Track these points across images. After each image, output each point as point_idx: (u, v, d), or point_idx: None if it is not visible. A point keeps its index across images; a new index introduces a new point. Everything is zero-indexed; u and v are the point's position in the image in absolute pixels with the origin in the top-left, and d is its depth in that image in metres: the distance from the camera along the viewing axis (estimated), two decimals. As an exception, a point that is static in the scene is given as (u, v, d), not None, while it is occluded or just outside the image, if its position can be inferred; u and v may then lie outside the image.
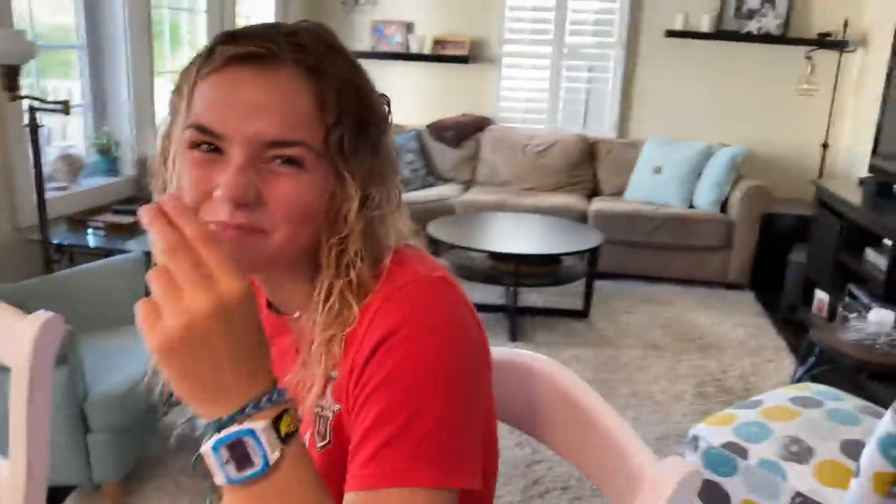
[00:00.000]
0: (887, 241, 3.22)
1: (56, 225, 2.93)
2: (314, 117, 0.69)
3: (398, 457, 0.63)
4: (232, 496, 0.57)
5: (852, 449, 1.82)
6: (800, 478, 1.79)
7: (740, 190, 4.39)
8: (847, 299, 3.27)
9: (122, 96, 3.61)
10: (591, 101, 5.21)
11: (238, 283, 0.54)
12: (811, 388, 2.20)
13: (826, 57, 4.62)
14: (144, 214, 0.54)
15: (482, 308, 3.74)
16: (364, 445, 0.65)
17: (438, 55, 5.19)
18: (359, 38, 5.26)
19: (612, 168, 4.90)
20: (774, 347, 3.63)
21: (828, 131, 4.76)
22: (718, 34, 4.79)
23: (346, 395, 0.70)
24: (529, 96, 5.30)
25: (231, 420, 0.55)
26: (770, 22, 4.67)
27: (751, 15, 4.74)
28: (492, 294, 4.04)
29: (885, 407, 1.73)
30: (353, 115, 0.71)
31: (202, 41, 4.31)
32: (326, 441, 0.73)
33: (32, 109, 2.53)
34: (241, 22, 4.68)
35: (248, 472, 0.56)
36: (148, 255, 2.53)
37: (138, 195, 3.61)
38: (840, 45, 4.59)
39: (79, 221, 3.08)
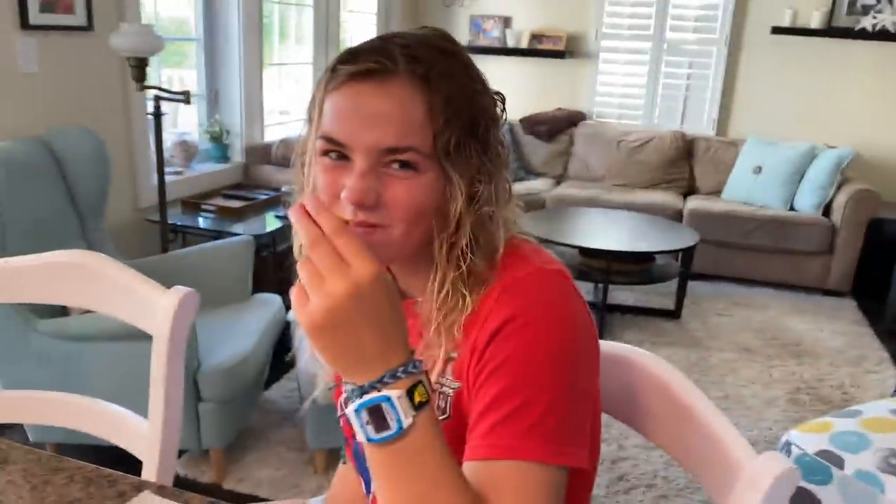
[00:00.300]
0: None
1: (171, 207, 3.13)
2: (425, 123, 0.75)
3: (514, 432, 0.70)
4: (372, 452, 0.65)
5: (957, 466, 1.76)
6: (899, 491, 1.74)
7: (845, 193, 4.22)
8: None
9: (234, 87, 3.81)
10: (689, 98, 5.11)
11: (370, 266, 0.61)
12: (915, 402, 2.12)
13: (947, 55, 4.38)
14: (293, 213, 0.63)
15: (571, 303, 3.74)
16: (483, 420, 0.72)
17: (535, 49, 5.20)
18: (457, 33, 5.32)
19: (709, 166, 4.80)
20: (877, 358, 3.49)
21: (946, 134, 4.52)
22: (829, 31, 4.60)
23: (467, 375, 0.77)
24: (626, 92, 5.25)
25: (371, 387, 0.63)
26: (887, 18, 4.45)
27: (866, 11, 4.54)
28: (582, 291, 4.03)
29: None
30: (461, 118, 0.77)
31: (308, 35, 4.48)
32: (446, 415, 0.79)
33: (157, 98, 2.72)
34: (345, 16, 4.83)
35: (385, 434, 0.63)
36: (256, 237, 2.66)
37: (246, 181, 3.80)
38: (963, 43, 4.34)
39: (192, 204, 3.28)
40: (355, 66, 0.75)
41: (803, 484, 1.94)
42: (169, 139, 3.46)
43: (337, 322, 0.61)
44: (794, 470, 0.75)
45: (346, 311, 0.60)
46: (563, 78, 5.27)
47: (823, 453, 1.91)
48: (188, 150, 3.51)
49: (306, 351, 0.97)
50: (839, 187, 4.32)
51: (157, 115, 2.74)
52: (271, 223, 3.18)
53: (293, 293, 0.63)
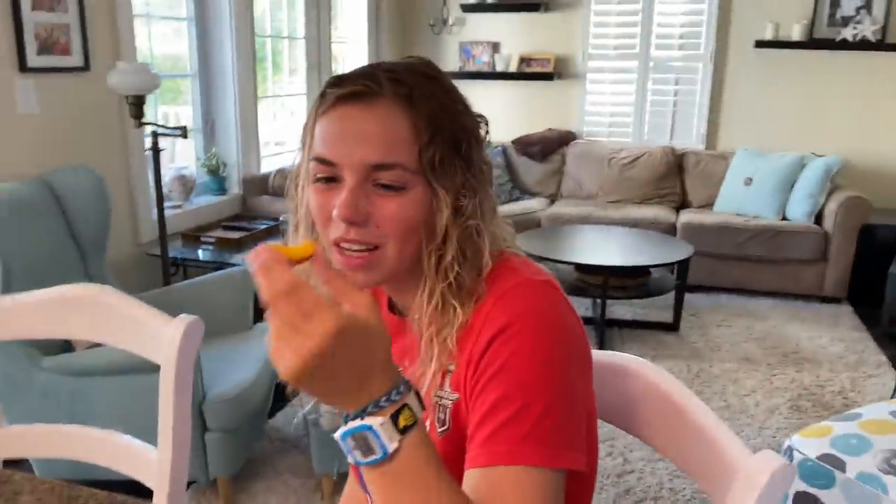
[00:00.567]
0: None
1: (172, 240, 3.16)
2: (410, 140, 0.80)
3: (512, 438, 0.72)
4: (365, 473, 0.68)
5: (957, 464, 1.78)
6: (901, 492, 1.76)
7: (836, 201, 4.27)
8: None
9: (230, 120, 3.87)
10: (677, 114, 5.18)
11: (330, 320, 0.61)
12: (913, 403, 2.15)
13: (929, 62, 4.45)
14: (251, 264, 0.64)
15: (570, 320, 3.77)
16: (481, 428, 0.75)
17: (524, 73, 5.28)
18: (447, 59, 5.41)
19: (700, 180, 4.85)
20: (875, 363, 3.51)
21: (932, 139, 4.58)
22: (811, 43, 4.68)
23: (464, 385, 0.80)
24: (614, 110, 5.32)
25: (356, 416, 0.65)
26: (867, 28, 4.54)
27: (845, 22, 4.62)
28: (579, 307, 4.07)
29: None
30: (444, 135, 0.81)
31: (301, 66, 4.55)
32: (446, 427, 0.82)
33: (155, 135, 2.76)
34: (336, 47, 4.90)
35: (371, 458, 0.65)
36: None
37: (244, 212, 3.84)
38: (944, 50, 4.42)
39: (192, 237, 3.31)
40: (342, 90, 0.80)
41: (807, 489, 1.96)
42: (167, 174, 3.50)
43: (308, 376, 0.62)
44: (790, 467, 0.78)
45: (314, 366, 0.62)
46: (553, 99, 5.34)
47: (825, 457, 1.93)
48: (186, 184, 3.55)
49: None
50: (829, 195, 4.37)
51: (156, 150, 2.78)
52: (270, 253, 3.21)
53: (268, 347, 0.64)
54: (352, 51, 5.19)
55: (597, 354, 1.00)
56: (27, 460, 2.22)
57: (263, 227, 3.45)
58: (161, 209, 2.89)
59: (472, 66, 5.36)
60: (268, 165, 4.18)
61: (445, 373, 0.83)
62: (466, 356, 0.80)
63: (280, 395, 2.69)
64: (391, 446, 0.65)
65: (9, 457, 1.31)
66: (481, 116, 0.88)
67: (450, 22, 5.39)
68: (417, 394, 0.69)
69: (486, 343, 0.77)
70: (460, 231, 0.82)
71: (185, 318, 1.17)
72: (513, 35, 5.33)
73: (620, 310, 4.11)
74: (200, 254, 3.24)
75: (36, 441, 1.30)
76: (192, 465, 2.25)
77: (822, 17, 4.68)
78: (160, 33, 3.72)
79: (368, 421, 0.64)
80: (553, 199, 5.09)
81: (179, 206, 3.49)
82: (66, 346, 2.31)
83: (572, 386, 0.77)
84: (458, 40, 5.41)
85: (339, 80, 0.82)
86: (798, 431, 2.15)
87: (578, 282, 3.75)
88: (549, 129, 5.27)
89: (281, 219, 3.47)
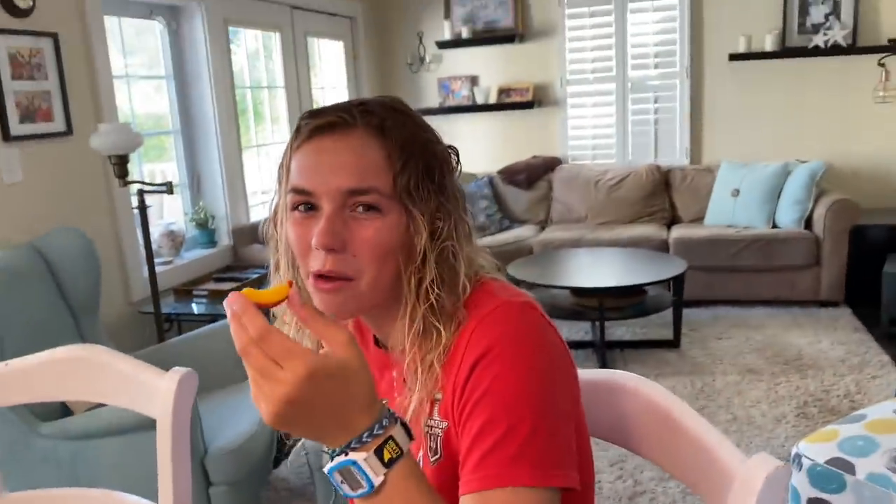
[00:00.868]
0: None
1: (164, 297, 3.16)
2: (383, 167, 0.81)
3: (501, 461, 0.72)
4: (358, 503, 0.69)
5: (966, 457, 1.77)
6: (912, 489, 1.75)
7: (823, 205, 4.30)
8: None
9: (215, 173, 3.89)
10: (659, 131, 5.24)
11: (300, 366, 0.63)
12: (917, 399, 2.14)
13: (900, 62, 4.53)
14: (226, 309, 0.66)
15: (570, 345, 3.76)
16: (471, 454, 0.75)
17: (504, 103, 5.34)
18: (427, 96, 5.48)
19: (688, 195, 4.89)
20: (878, 363, 3.50)
21: (911, 136, 4.63)
22: (784, 52, 4.76)
23: (452, 412, 0.80)
24: (597, 133, 5.37)
25: (341, 451, 0.67)
26: (837, 34, 4.62)
27: (816, 29, 4.71)
28: (578, 330, 4.07)
29: None
30: (417, 162, 0.83)
31: (283, 114, 4.60)
32: (438, 456, 0.82)
33: (141, 192, 2.78)
34: (317, 93, 4.96)
35: (359, 492, 0.67)
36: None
37: (235, 263, 3.85)
38: (914, 49, 4.49)
39: (184, 291, 3.32)
40: (317, 121, 0.83)
41: (819, 494, 1.94)
42: (156, 230, 3.51)
43: (286, 419, 0.65)
44: (785, 468, 0.78)
45: (290, 409, 0.64)
46: (535, 127, 5.40)
47: (834, 461, 1.91)
48: (175, 239, 3.56)
49: None
50: (816, 200, 4.40)
51: (142, 208, 2.80)
52: (264, 301, 3.21)
53: (252, 391, 0.66)
54: (332, 96, 5.25)
55: (588, 374, 1.00)
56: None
57: (255, 275, 3.46)
58: (151, 266, 2.89)
59: (452, 101, 5.43)
60: (257, 214, 4.20)
61: (433, 402, 0.83)
62: (452, 383, 0.80)
63: (283, 444, 2.67)
64: (377, 480, 0.66)
65: (9, 526, 1.30)
66: (452, 147, 0.91)
67: (427, 59, 5.47)
68: (405, 424, 0.70)
69: (469, 368, 0.78)
70: (437, 253, 0.83)
71: (178, 371, 1.17)
72: (490, 67, 5.41)
73: (620, 331, 4.10)
74: (194, 308, 3.23)
75: (35, 507, 1.28)
76: (198, 521, 2.22)
77: (792, 27, 4.77)
78: (141, 93, 3.77)
79: (353, 456, 0.66)
80: (543, 225, 5.11)
81: (170, 262, 3.49)
82: (65, 411, 2.29)
83: (557, 404, 0.77)
84: (436, 77, 5.48)
85: (312, 114, 0.85)
86: (804, 438, 2.14)
87: (575, 305, 3.75)
88: (534, 156, 5.32)
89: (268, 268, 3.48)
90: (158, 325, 2.96)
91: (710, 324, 4.17)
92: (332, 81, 5.27)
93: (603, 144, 5.35)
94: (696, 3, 4.94)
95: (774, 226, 4.45)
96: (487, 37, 5.30)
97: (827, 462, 1.92)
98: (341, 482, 0.67)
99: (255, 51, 4.52)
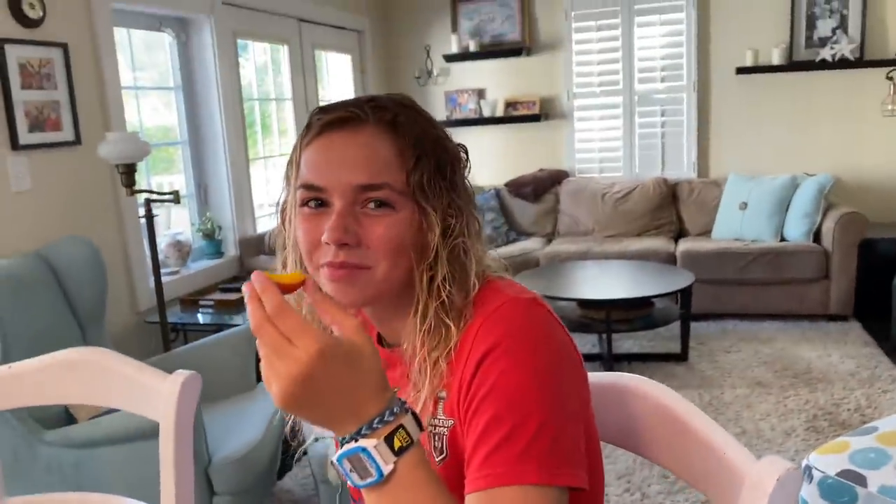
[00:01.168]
0: None
1: (170, 306, 3.16)
2: (396, 163, 0.81)
3: (507, 459, 0.71)
4: (365, 494, 0.68)
5: (980, 469, 1.74)
6: (925, 502, 1.72)
7: (832, 218, 4.28)
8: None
9: (222, 183, 3.90)
10: (667, 145, 5.23)
11: (312, 343, 0.63)
12: (929, 411, 2.11)
13: (908, 75, 4.52)
14: (244, 291, 0.67)
15: (577, 357, 3.75)
16: (477, 452, 0.73)
17: (511, 116, 5.35)
18: (434, 109, 5.49)
19: (695, 208, 4.87)
20: (889, 377, 3.46)
21: (920, 150, 4.62)
22: (791, 66, 4.76)
23: (458, 410, 0.79)
24: (604, 146, 5.37)
25: (351, 438, 0.66)
26: (844, 47, 4.61)
27: (823, 43, 4.70)
28: (585, 343, 4.04)
29: None
30: (429, 157, 0.82)
31: (290, 127, 4.62)
32: (444, 455, 0.81)
33: (148, 202, 2.78)
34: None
35: (368, 481, 0.66)
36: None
37: (242, 274, 3.85)
38: (921, 62, 4.48)
39: (190, 301, 3.31)
40: (328, 117, 0.82)
41: (830, 508, 1.91)
42: (163, 241, 3.51)
43: (297, 399, 0.64)
44: (795, 470, 0.76)
45: (302, 389, 0.64)
46: (542, 140, 5.40)
47: (845, 473, 1.89)
48: (182, 250, 3.56)
49: (312, 429, 1.00)
50: (825, 213, 4.38)
51: (149, 217, 2.80)
52: (270, 311, 3.20)
53: (263, 373, 0.66)
54: (340, 108, 5.26)
55: (596, 377, 0.99)
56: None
57: (262, 286, 3.45)
58: (158, 276, 2.89)
59: (459, 114, 5.44)
60: (263, 226, 4.20)
61: (437, 400, 0.81)
62: (458, 380, 0.79)
63: (289, 455, 2.65)
64: (386, 468, 0.65)
65: (9, 531, 1.28)
66: (461, 145, 0.90)
67: (434, 73, 5.49)
68: (415, 415, 0.69)
69: (475, 365, 0.76)
70: (449, 250, 0.82)
71: (181, 374, 1.17)
72: (497, 80, 5.42)
73: (627, 343, 4.07)
74: (200, 317, 3.23)
75: (37, 513, 1.27)
76: (201, 531, 2.20)
77: (799, 41, 4.77)
78: (150, 106, 3.79)
79: (362, 443, 0.65)
80: (550, 238, 5.10)
81: (177, 272, 3.49)
82: (69, 419, 2.29)
83: (565, 402, 0.76)
84: (443, 90, 5.50)
85: (323, 110, 0.84)
86: (815, 450, 2.11)
87: (582, 318, 3.73)
88: (541, 169, 5.32)
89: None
90: (164, 335, 2.95)
91: (719, 337, 4.14)
92: (339, 94, 5.28)
93: (610, 157, 5.35)
94: (704, 17, 4.95)
95: (782, 239, 4.43)
96: (494, 50, 5.31)
97: (838, 474, 1.89)
98: (350, 470, 0.66)
99: (264, 63, 4.54)
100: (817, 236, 4.35)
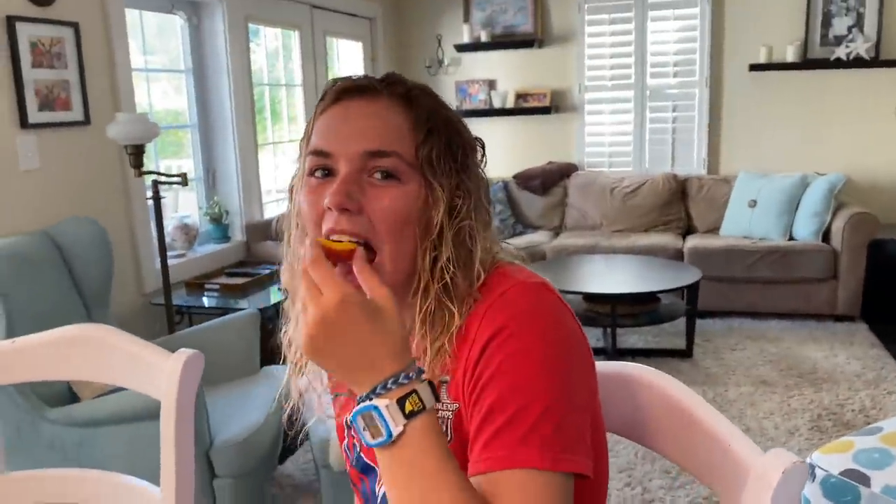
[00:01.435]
0: None
1: (176, 289, 3.16)
2: (407, 134, 0.81)
3: (510, 442, 0.70)
4: (377, 454, 0.70)
5: None
6: (929, 504, 1.70)
7: (842, 218, 4.25)
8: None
9: (231, 168, 3.90)
10: (677, 141, 5.20)
11: (333, 291, 0.68)
12: (935, 413, 2.10)
13: (923, 76, 4.48)
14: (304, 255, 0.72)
15: (581, 351, 3.74)
16: (480, 434, 0.73)
17: (521, 108, 5.33)
18: (445, 99, 5.44)
19: (704, 205, 4.85)
20: (895, 379, 3.45)
21: (933, 151, 4.58)
22: (805, 63, 4.72)
23: (462, 393, 0.78)
24: (614, 140, 5.34)
25: (366, 397, 0.68)
26: (860, 46, 4.57)
27: (838, 41, 4.66)
28: (590, 337, 4.00)
29: None
30: (440, 134, 0.82)
31: (300, 113, 4.61)
32: (449, 439, 0.79)
33: (156, 183, 2.78)
34: (334, 92, 4.96)
35: (378, 440, 0.67)
36: (260, 311, 2.67)
37: (248, 258, 3.84)
38: (938, 63, 4.44)
39: (196, 285, 3.31)
40: (344, 84, 0.83)
41: (833, 507, 1.89)
42: (170, 223, 3.52)
43: (316, 346, 0.68)
44: (801, 463, 0.75)
45: (322, 333, 0.68)
46: (552, 132, 5.38)
47: (848, 472, 1.87)
48: (189, 233, 3.56)
49: (312, 412, 0.99)
50: (835, 213, 4.35)
51: (157, 199, 2.80)
52: (275, 296, 3.20)
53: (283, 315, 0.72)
54: (350, 96, 5.24)
55: (601, 366, 0.97)
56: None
57: (267, 271, 3.45)
58: (164, 258, 2.89)
59: (469, 105, 5.41)
60: (270, 212, 4.20)
61: (440, 384, 0.80)
62: (462, 364, 0.78)
63: (290, 439, 2.66)
64: (395, 429, 0.67)
65: (10, 506, 1.29)
66: (478, 138, 0.89)
67: (445, 62, 5.47)
68: (432, 385, 0.69)
69: (480, 348, 0.75)
70: (455, 232, 0.81)
71: (184, 352, 1.16)
72: (508, 72, 5.40)
73: (632, 338, 4.06)
74: (205, 301, 3.23)
75: (37, 487, 1.27)
76: (201, 513, 2.20)
77: (814, 38, 4.72)
78: (160, 89, 3.79)
79: (375, 402, 0.67)
80: (557, 231, 5.08)
81: (183, 255, 3.49)
82: (72, 398, 2.29)
83: (572, 388, 0.75)
84: (454, 80, 5.48)
85: (339, 79, 0.85)
86: (819, 449, 2.10)
87: (587, 311, 3.72)
88: (550, 162, 5.30)
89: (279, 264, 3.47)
90: (169, 317, 2.96)
91: (724, 334, 4.13)
92: (349, 82, 5.26)
93: (620, 152, 5.32)
94: (718, 13, 4.91)
95: (791, 238, 4.40)
96: (506, 41, 5.29)
97: (841, 473, 1.88)
98: (363, 428, 0.68)
99: (275, 49, 4.53)
100: (826, 236, 4.32)
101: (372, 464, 0.90)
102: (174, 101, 3.88)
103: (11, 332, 2.13)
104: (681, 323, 3.83)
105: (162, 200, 2.84)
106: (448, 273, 0.79)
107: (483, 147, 0.89)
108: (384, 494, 0.87)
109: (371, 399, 0.67)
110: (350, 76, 0.85)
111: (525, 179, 5.17)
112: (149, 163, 2.79)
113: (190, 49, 3.76)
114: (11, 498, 1.26)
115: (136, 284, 3.18)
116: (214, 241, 3.81)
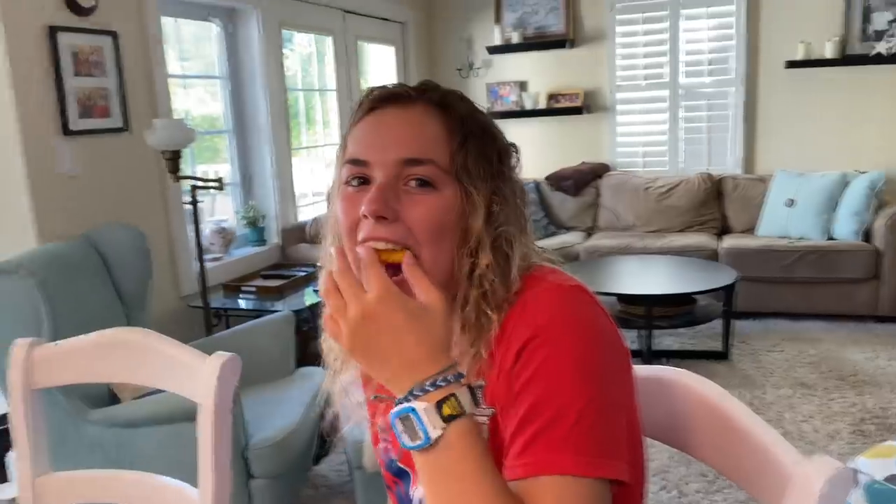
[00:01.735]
0: None
1: (213, 292, 3.21)
2: (442, 141, 0.80)
3: (546, 447, 0.70)
4: (414, 457, 0.69)
5: None
6: (978, 511, 1.66)
7: (884, 216, 4.15)
8: None
9: (266, 173, 3.95)
10: (712, 140, 5.13)
11: (376, 287, 0.68)
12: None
13: (968, 70, 4.35)
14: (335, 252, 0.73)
15: (615, 353, 3.70)
16: (516, 439, 0.72)
17: (553, 109, 5.30)
18: (476, 101, 5.45)
19: (740, 204, 4.77)
20: (941, 382, 3.36)
21: (979, 148, 4.44)
22: (845, 59, 4.62)
23: (498, 398, 0.77)
24: (647, 140, 5.29)
25: (404, 399, 0.68)
26: (901, 41, 4.46)
27: (878, 36, 4.55)
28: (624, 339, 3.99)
29: None
30: (475, 140, 0.82)
31: (333, 118, 4.64)
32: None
33: (193, 188, 2.83)
34: (366, 96, 5.00)
35: (417, 443, 0.67)
36: (296, 313, 2.69)
37: (283, 261, 3.89)
38: (983, 57, 4.31)
39: (233, 287, 3.36)
40: (379, 92, 0.83)
41: (876, 513, 1.85)
42: (207, 227, 3.57)
43: (358, 342, 0.69)
44: (846, 471, 0.74)
45: (364, 328, 0.68)
46: (584, 133, 5.34)
47: (893, 478, 1.83)
48: (226, 237, 3.62)
49: (349, 417, 1.00)
50: (876, 211, 4.25)
51: (194, 203, 2.85)
52: (310, 298, 3.23)
53: (324, 323, 0.71)
54: (382, 99, 5.27)
55: (638, 370, 0.97)
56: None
57: (302, 274, 3.48)
58: (201, 261, 2.94)
59: (500, 107, 5.40)
60: (305, 215, 4.24)
61: (476, 388, 0.80)
62: (497, 368, 0.78)
63: (324, 442, 2.68)
64: (433, 433, 0.66)
65: (52, 505, 1.31)
66: (513, 144, 0.89)
67: (476, 65, 5.47)
68: (472, 389, 0.69)
69: (516, 352, 0.75)
70: (493, 238, 0.80)
71: (221, 355, 1.18)
72: (539, 72, 5.38)
73: (667, 340, 4.01)
74: (242, 303, 3.27)
75: (77, 488, 1.30)
76: (238, 513, 2.23)
77: (853, 34, 4.62)
78: (197, 95, 3.85)
79: (413, 404, 0.67)
80: (590, 232, 5.05)
81: (220, 258, 3.54)
82: (113, 400, 2.34)
83: (608, 392, 0.74)
84: (485, 82, 5.48)
85: (375, 88, 0.85)
86: (862, 453, 2.05)
87: (621, 313, 3.68)
88: (583, 162, 5.26)
89: (319, 265, 3.50)
90: (207, 319, 3.00)
91: (762, 336, 4.06)
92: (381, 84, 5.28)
93: (654, 152, 5.27)
94: (753, 9, 4.83)
95: (831, 237, 4.31)
96: (538, 42, 5.27)
97: (886, 479, 1.84)
98: (402, 431, 0.67)
99: (308, 55, 4.57)
100: (867, 235, 4.23)
101: (406, 469, 0.90)
102: (210, 106, 3.94)
103: (55, 335, 2.18)
104: (717, 324, 3.77)
105: (199, 205, 2.88)
106: (487, 281, 0.79)
107: (518, 151, 0.88)
108: (420, 499, 0.87)
109: (409, 401, 0.67)
110: (385, 84, 0.85)
111: (557, 180, 5.14)
112: (186, 168, 2.84)
113: (226, 55, 3.82)
114: (54, 497, 1.28)
115: (174, 287, 3.23)
116: (251, 245, 3.86)
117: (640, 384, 0.94)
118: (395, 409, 0.68)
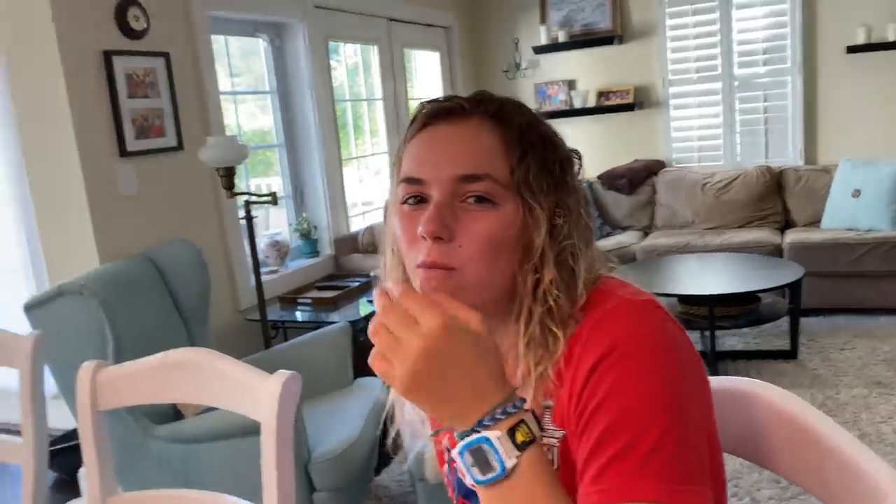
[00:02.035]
0: None
1: (270, 304, 3.24)
2: (500, 155, 0.77)
3: (624, 473, 0.65)
4: (482, 492, 0.65)
5: None
6: None
7: (959, 204, 3.95)
8: None
9: (317, 184, 3.98)
10: (770, 131, 4.98)
11: (436, 318, 0.62)
12: None
13: None
14: (375, 295, 0.67)
15: (677, 355, 3.60)
16: (590, 465, 0.68)
17: (603, 106, 5.22)
18: (524, 102, 5.41)
19: (803, 197, 4.61)
20: None
21: None
22: (909, 41, 4.43)
23: (569, 420, 0.74)
24: (702, 134, 5.16)
25: (473, 430, 0.63)
26: (969, 18, 4.25)
27: (945, 15, 4.35)
28: (686, 340, 3.89)
29: None
30: (535, 152, 0.78)
31: (381, 126, 4.66)
32: (556, 467, 0.75)
33: (247, 203, 2.86)
34: (414, 105, 5.01)
35: (491, 476, 0.63)
36: (352, 323, 2.70)
37: (337, 272, 3.91)
38: None
39: (289, 299, 3.39)
40: (431, 108, 0.80)
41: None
42: (262, 241, 3.62)
43: (420, 380, 0.62)
44: (950, 489, 0.68)
45: (426, 367, 0.62)
46: (636, 129, 5.24)
47: None
48: (281, 249, 3.65)
49: (407, 430, 0.97)
50: (950, 199, 4.05)
51: (249, 218, 2.88)
52: (365, 308, 3.24)
53: (372, 362, 0.64)
54: (430, 106, 5.28)
55: (712, 381, 0.92)
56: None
57: (356, 284, 3.49)
58: (258, 275, 2.97)
59: (548, 107, 5.34)
60: (357, 225, 4.26)
61: (543, 410, 0.77)
62: (567, 388, 0.74)
63: (385, 452, 2.67)
64: (509, 462, 0.62)
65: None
66: (575, 150, 0.85)
67: (523, 66, 5.42)
68: (534, 413, 0.66)
69: (587, 372, 0.71)
70: (557, 253, 0.77)
71: (282, 374, 1.17)
72: (588, 70, 5.30)
73: (731, 340, 3.89)
74: (298, 315, 3.30)
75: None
76: (302, 526, 2.24)
77: (917, 14, 4.43)
78: (247, 110, 3.90)
79: (486, 433, 0.62)
80: (646, 231, 4.94)
81: (276, 271, 3.58)
82: (177, 416, 2.37)
83: (687, 411, 0.69)
84: (532, 83, 5.42)
85: (428, 103, 0.82)
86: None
87: (683, 314, 3.58)
88: (636, 160, 5.16)
89: (372, 274, 3.51)
90: (265, 332, 3.03)
91: (831, 333, 3.90)
92: (429, 92, 5.29)
93: (709, 146, 5.13)
94: (809, -6, 4.67)
95: (902, 228, 4.13)
96: (585, 40, 5.20)
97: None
98: (471, 465, 0.63)
99: (355, 65, 4.60)
100: (942, 224, 4.03)
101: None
102: (261, 121, 3.99)
103: (119, 353, 2.23)
104: (783, 322, 3.64)
105: (253, 219, 2.92)
106: (551, 296, 0.76)
107: (580, 158, 0.85)
108: None
109: (479, 431, 0.63)
110: (437, 98, 0.82)
111: (611, 179, 5.05)
112: (240, 182, 2.88)
113: (274, 70, 3.87)
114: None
115: (232, 301, 3.28)
116: (305, 256, 3.90)
117: (716, 397, 0.89)
118: (464, 441, 0.63)
